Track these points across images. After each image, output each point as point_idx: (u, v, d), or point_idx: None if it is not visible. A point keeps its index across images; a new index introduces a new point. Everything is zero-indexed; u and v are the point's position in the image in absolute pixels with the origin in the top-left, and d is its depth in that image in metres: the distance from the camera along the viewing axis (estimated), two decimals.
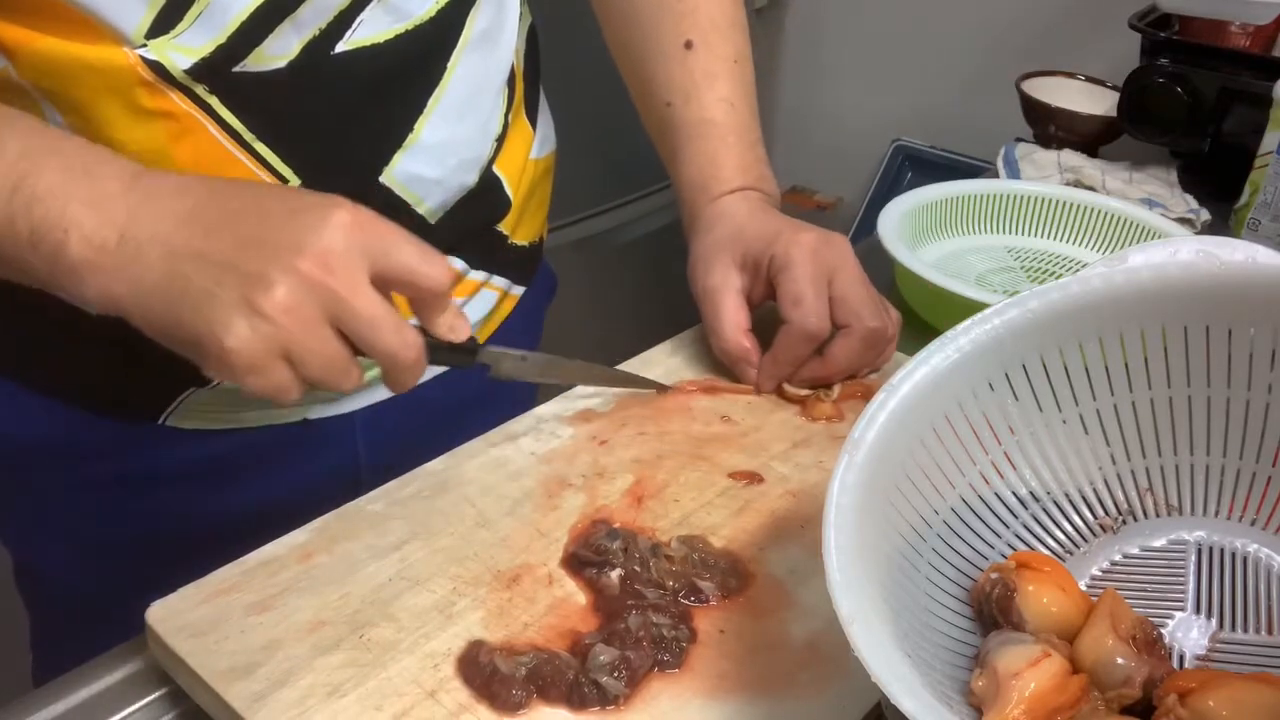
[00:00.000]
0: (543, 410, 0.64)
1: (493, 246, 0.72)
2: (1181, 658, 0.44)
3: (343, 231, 0.46)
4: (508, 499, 0.56)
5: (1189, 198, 1.01)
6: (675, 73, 0.74)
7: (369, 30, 0.58)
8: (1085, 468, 0.48)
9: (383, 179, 0.62)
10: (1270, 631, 0.43)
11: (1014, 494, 0.48)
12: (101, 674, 0.50)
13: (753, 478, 0.58)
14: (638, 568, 0.50)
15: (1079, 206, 0.92)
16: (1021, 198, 0.93)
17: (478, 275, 0.71)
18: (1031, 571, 0.44)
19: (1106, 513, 0.49)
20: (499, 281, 0.73)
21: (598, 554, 0.51)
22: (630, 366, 0.69)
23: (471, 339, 0.53)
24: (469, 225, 0.68)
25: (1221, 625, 0.44)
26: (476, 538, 0.53)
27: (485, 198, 0.69)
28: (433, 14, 0.60)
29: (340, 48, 0.57)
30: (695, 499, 0.56)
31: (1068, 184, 1.01)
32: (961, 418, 0.46)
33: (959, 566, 0.46)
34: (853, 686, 0.45)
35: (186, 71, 0.53)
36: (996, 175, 1.08)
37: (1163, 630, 0.44)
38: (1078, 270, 0.54)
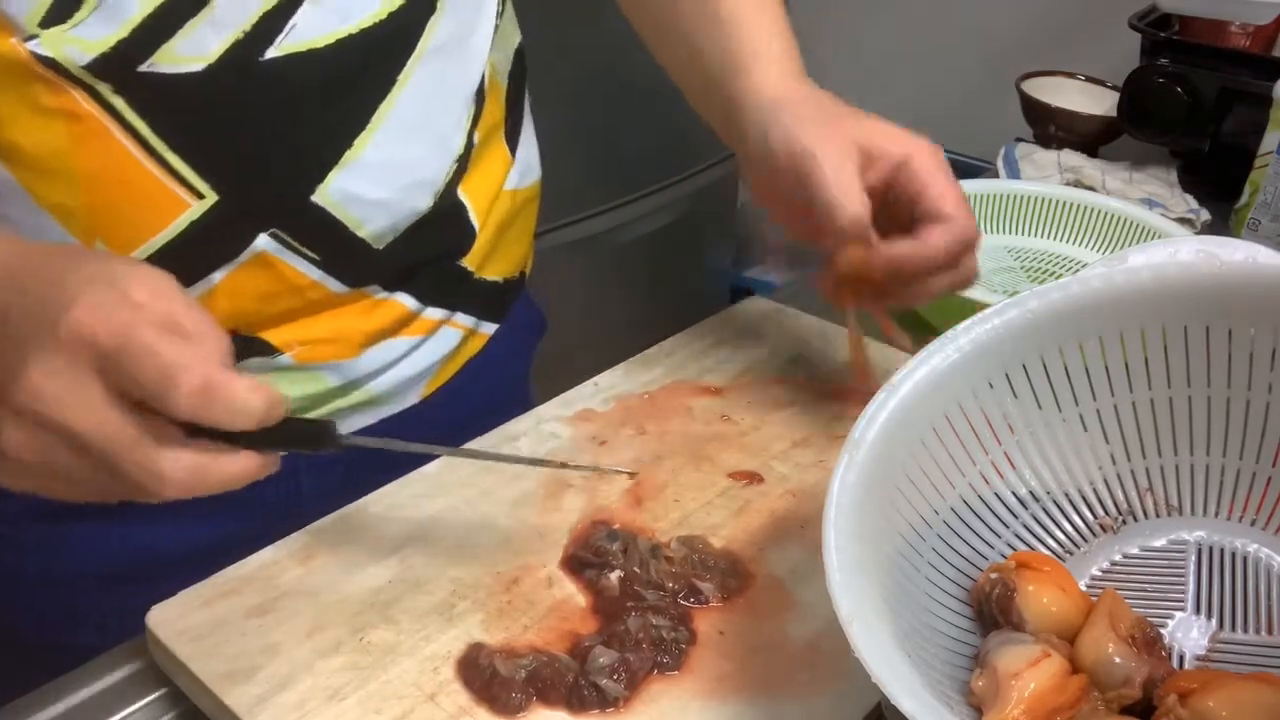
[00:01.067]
0: (542, 411, 0.64)
1: (455, 281, 0.66)
2: (1181, 658, 0.44)
3: (68, 350, 0.39)
4: (507, 500, 0.56)
5: (1189, 198, 1.01)
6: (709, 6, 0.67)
7: (305, 34, 0.53)
8: (1085, 468, 0.48)
9: (315, 198, 0.56)
10: (1270, 631, 0.43)
11: (1014, 494, 0.48)
12: (101, 674, 0.50)
13: (753, 478, 0.58)
14: (637, 569, 0.50)
15: (1079, 206, 0.92)
16: (1021, 198, 0.93)
17: (434, 313, 0.65)
18: (1031, 571, 0.44)
19: (1106, 513, 0.49)
20: (463, 319, 0.67)
21: (597, 555, 0.51)
22: (630, 366, 0.69)
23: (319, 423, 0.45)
24: (423, 255, 0.63)
25: (1221, 625, 0.44)
26: (476, 539, 0.53)
27: (443, 225, 0.63)
28: (382, 18, 0.55)
29: (271, 53, 0.52)
30: (695, 499, 0.56)
31: (1068, 184, 1.01)
32: (961, 418, 0.46)
33: (959, 566, 0.46)
34: (853, 686, 0.45)
35: (85, 68, 0.49)
36: (996, 175, 1.08)
37: (1163, 630, 0.44)
38: (1078, 270, 0.54)
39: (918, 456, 0.45)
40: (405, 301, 0.63)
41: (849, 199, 0.57)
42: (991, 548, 0.47)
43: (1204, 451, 0.47)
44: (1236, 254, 0.45)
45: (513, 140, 0.69)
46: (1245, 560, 0.46)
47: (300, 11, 0.52)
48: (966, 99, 2.07)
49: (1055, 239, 0.92)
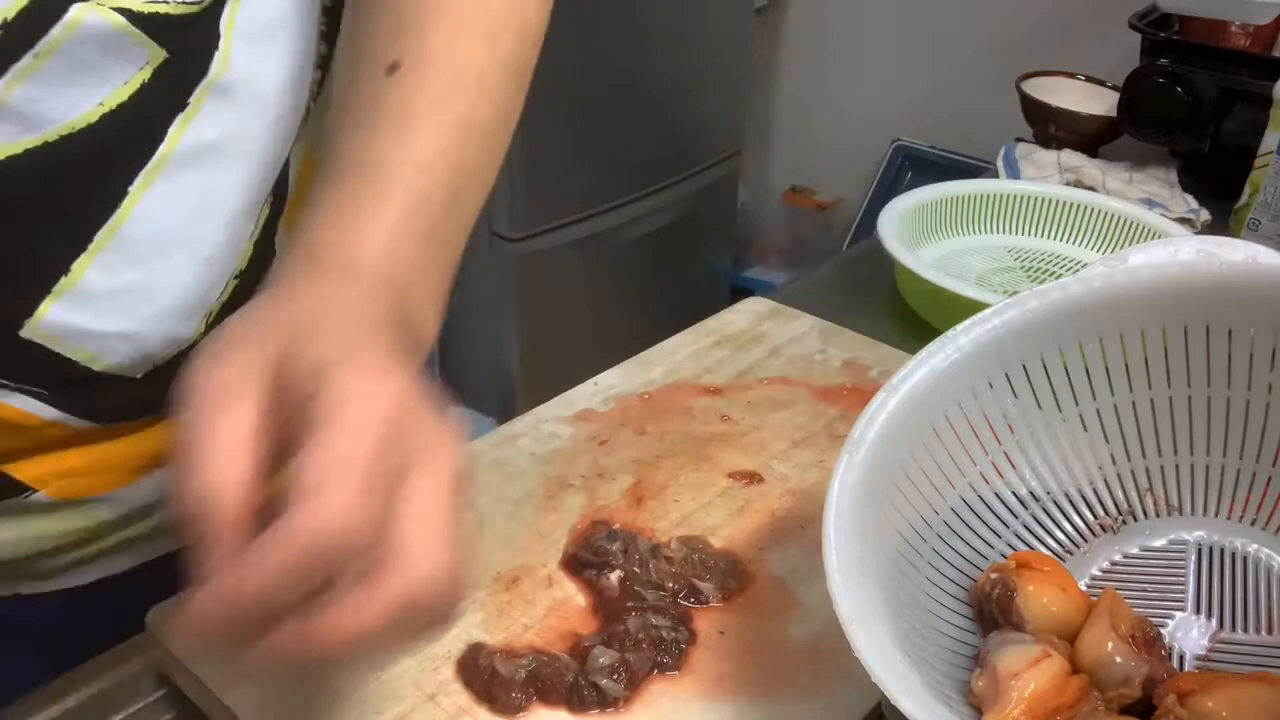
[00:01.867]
0: (542, 411, 0.64)
1: None
2: (1181, 658, 0.44)
3: None
4: (507, 500, 0.56)
5: (1189, 198, 1.01)
6: (362, 97, 0.47)
7: None
8: (1085, 468, 0.48)
9: (24, 333, 0.46)
10: (1270, 631, 0.43)
11: (1014, 494, 0.48)
12: (101, 674, 0.50)
13: (753, 478, 0.58)
14: (637, 569, 0.50)
15: (1079, 206, 0.92)
16: (1021, 198, 0.93)
17: None
18: (1031, 571, 0.44)
19: (1106, 513, 0.49)
20: None
21: (597, 555, 0.51)
22: (630, 366, 0.69)
23: None
24: None
25: (1221, 625, 0.44)
26: (476, 539, 0.53)
27: None
28: (93, 120, 0.44)
29: None
30: (695, 499, 0.56)
31: (1068, 184, 1.01)
32: (961, 418, 0.46)
33: (959, 566, 0.46)
34: (853, 687, 0.45)
35: None
36: (996, 175, 1.08)
37: (1163, 630, 0.44)
38: (1078, 270, 0.54)
39: (918, 456, 0.45)
40: None
41: (212, 471, 0.34)
42: (991, 548, 0.47)
43: (1204, 451, 0.47)
44: (1236, 254, 0.45)
45: None
46: (1245, 560, 0.46)
47: None
48: (966, 99, 2.07)
49: (1055, 239, 0.92)
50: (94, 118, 0.44)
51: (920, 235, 0.89)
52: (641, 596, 0.49)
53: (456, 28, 0.48)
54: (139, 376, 0.50)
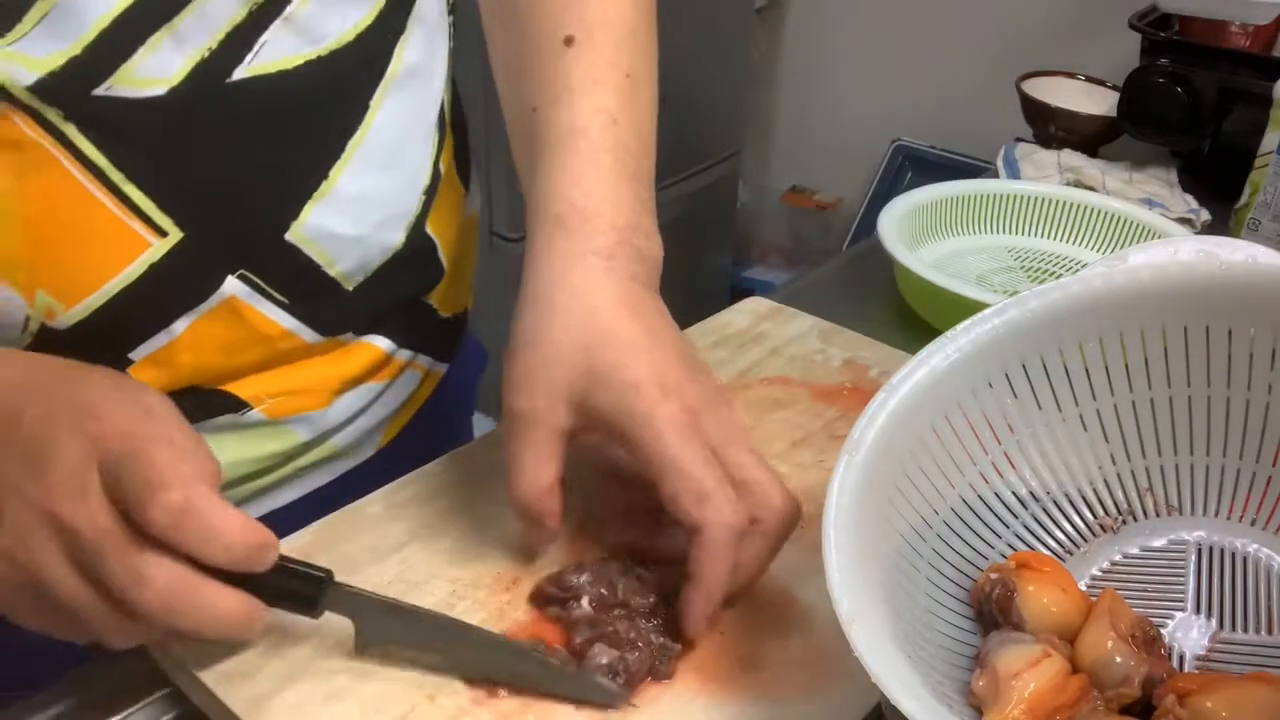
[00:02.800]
0: None
1: (421, 320, 0.63)
2: (1181, 658, 0.44)
3: (80, 448, 0.39)
4: (508, 500, 0.56)
5: (1189, 198, 1.01)
6: (548, 72, 0.54)
7: (274, 53, 0.48)
8: (1085, 468, 0.48)
9: (289, 236, 0.52)
10: (1270, 631, 0.43)
11: (1014, 494, 0.48)
12: (102, 674, 0.49)
13: None
14: (605, 591, 0.48)
15: (1079, 206, 0.92)
16: (1021, 198, 0.93)
17: (403, 354, 0.62)
18: (1031, 571, 0.44)
19: (1106, 513, 0.49)
20: (423, 360, 0.64)
21: (564, 590, 0.49)
22: None
23: (317, 575, 0.44)
24: (395, 295, 0.59)
25: (1221, 625, 0.44)
26: (476, 540, 0.53)
27: (414, 263, 0.60)
28: (351, 39, 0.51)
29: (239, 73, 0.47)
30: None
31: (1068, 184, 1.01)
32: (961, 418, 0.46)
33: (959, 566, 0.46)
34: (853, 687, 0.45)
35: (30, 89, 0.43)
36: (996, 175, 1.08)
37: (1163, 630, 0.44)
38: (1078, 270, 0.54)
39: (918, 456, 0.45)
40: (379, 344, 0.60)
41: (528, 482, 0.47)
42: (991, 548, 0.47)
43: (1204, 451, 0.47)
44: (1236, 254, 0.45)
45: (463, 170, 0.65)
46: (1245, 560, 0.46)
47: (270, 30, 0.48)
48: (966, 99, 2.07)
49: (1055, 239, 0.92)
50: (351, 36, 0.51)
51: (920, 235, 0.89)
52: (615, 617, 0.47)
53: None
54: (351, 288, 0.56)
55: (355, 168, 0.53)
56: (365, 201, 0.54)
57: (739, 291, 1.96)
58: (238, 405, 0.55)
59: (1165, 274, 0.45)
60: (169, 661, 0.47)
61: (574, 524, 0.54)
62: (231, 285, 0.52)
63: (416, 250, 0.59)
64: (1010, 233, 0.93)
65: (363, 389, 0.60)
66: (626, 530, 0.51)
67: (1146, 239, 0.87)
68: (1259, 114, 0.91)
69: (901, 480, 0.44)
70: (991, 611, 0.43)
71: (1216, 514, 0.47)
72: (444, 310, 0.64)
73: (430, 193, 0.59)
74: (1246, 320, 0.44)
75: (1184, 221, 0.97)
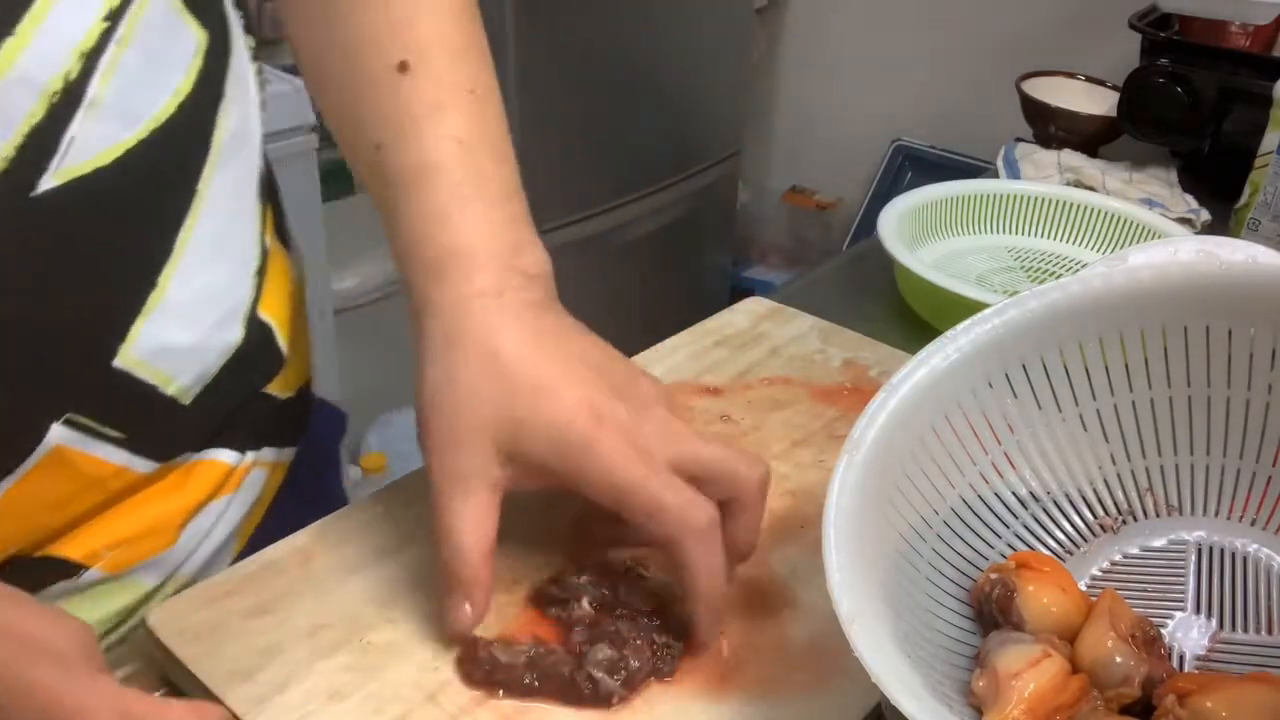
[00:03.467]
0: None
1: (260, 415, 0.56)
2: (1181, 658, 0.44)
3: None
4: (508, 500, 0.56)
5: (1189, 198, 1.01)
6: (385, 105, 0.49)
7: (86, 149, 0.41)
8: (1085, 468, 0.48)
9: (118, 362, 0.45)
10: (1270, 631, 0.43)
11: (1014, 494, 0.48)
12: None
13: None
14: (605, 591, 0.48)
15: (1079, 206, 0.92)
16: (1021, 198, 0.93)
17: (248, 457, 0.55)
18: (1031, 571, 0.44)
19: (1106, 513, 0.49)
20: (268, 454, 0.57)
21: (564, 590, 0.48)
22: None
23: None
24: (236, 398, 0.53)
25: (1221, 625, 0.44)
26: None
27: (254, 356, 0.53)
28: (172, 112, 0.44)
29: (46, 183, 0.40)
30: None
31: (1068, 184, 1.01)
32: (961, 418, 0.46)
33: (959, 566, 0.46)
34: (853, 687, 0.45)
35: None
36: (996, 175, 1.08)
37: (1163, 630, 0.44)
38: (1078, 270, 0.54)
39: (918, 456, 0.45)
40: (223, 457, 0.53)
41: (466, 546, 0.44)
42: (991, 548, 0.47)
43: (1204, 451, 0.47)
44: (1236, 254, 0.45)
45: (282, 231, 0.58)
46: (1245, 560, 0.46)
47: (76, 122, 0.40)
48: (966, 99, 2.07)
49: (1055, 239, 0.92)
50: (171, 109, 0.44)
51: (920, 235, 0.89)
52: (619, 616, 0.47)
53: (430, 8, 0.51)
54: (189, 402, 0.49)
55: (187, 266, 0.46)
56: (199, 302, 0.48)
57: (739, 291, 1.96)
58: (72, 569, 0.48)
59: (1165, 274, 0.45)
60: (169, 661, 0.47)
61: (572, 525, 0.54)
62: (57, 433, 0.44)
63: (255, 342, 0.53)
64: (1010, 233, 0.93)
65: (208, 510, 0.54)
66: (617, 541, 0.51)
67: (1146, 239, 0.87)
68: (1259, 114, 0.91)
69: (901, 480, 0.44)
70: (991, 611, 0.43)
71: (1216, 514, 0.47)
72: (284, 393, 0.58)
73: (261, 273, 0.53)
74: (1246, 320, 0.44)
75: (1184, 221, 0.97)
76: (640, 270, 2.08)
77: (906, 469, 0.44)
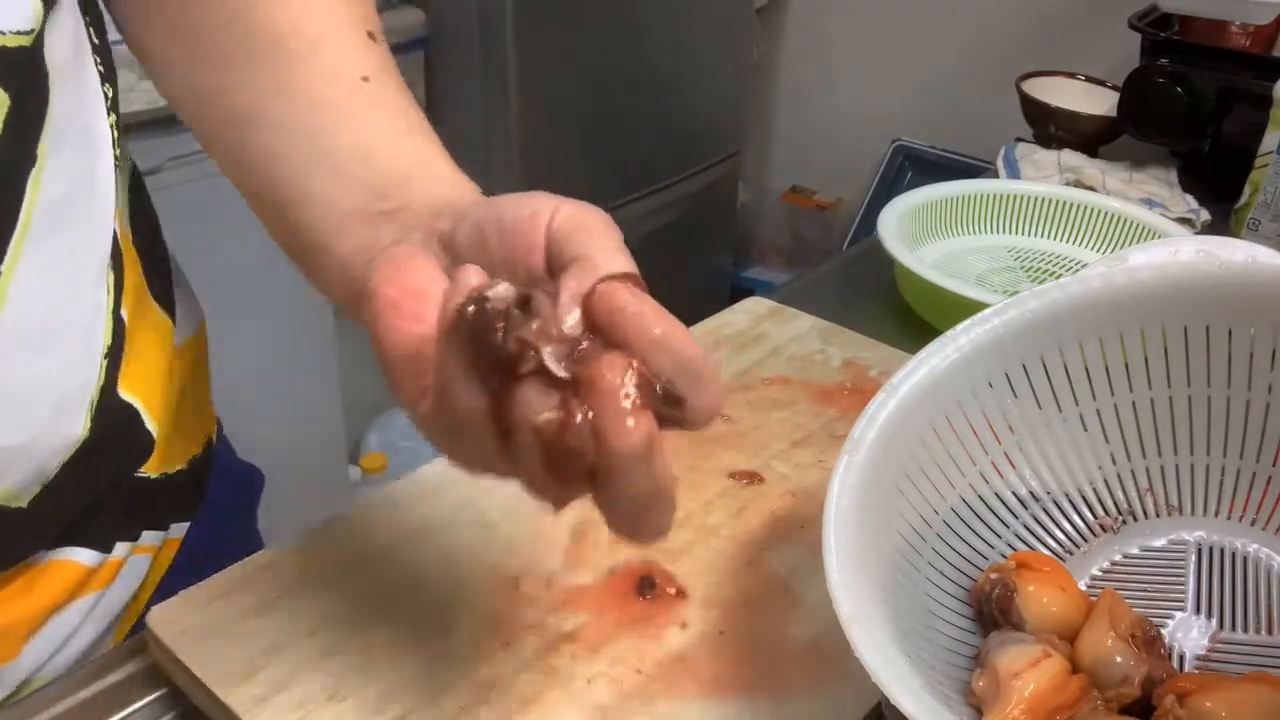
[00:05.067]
0: None
1: (135, 501, 0.51)
2: (1181, 658, 0.44)
3: None
4: (508, 500, 0.56)
5: (1189, 198, 1.01)
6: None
7: None
8: (1085, 468, 0.48)
9: None
10: (1270, 631, 0.43)
11: (1014, 494, 0.48)
12: (101, 674, 0.49)
13: (753, 477, 0.58)
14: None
15: (1079, 206, 0.92)
16: (1021, 198, 0.93)
17: (119, 549, 0.50)
18: (1031, 571, 0.44)
19: (1106, 513, 0.49)
20: (150, 538, 0.52)
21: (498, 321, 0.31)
22: None
23: None
24: (90, 492, 0.48)
25: (1221, 625, 0.44)
26: (477, 539, 0.53)
27: (111, 446, 0.48)
28: None
29: None
30: (695, 498, 0.56)
31: (1068, 184, 1.01)
32: (961, 418, 0.46)
33: (959, 566, 0.46)
34: (853, 687, 0.45)
35: None
36: (996, 175, 1.08)
37: (1163, 630, 0.44)
38: (1078, 270, 0.54)
39: (918, 456, 0.45)
40: (78, 558, 0.48)
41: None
42: (991, 548, 0.47)
43: (1204, 451, 0.47)
44: (1236, 254, 0.45)
45: (163, 290, 0.53)
46: (1245, 560, 0.46)
47: None
48: (966, 99, 2.07)
49: (1055, 239, 0.92)
50: None
51: (920, 235, 0.89)
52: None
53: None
54: (26, 504, 0.44)
55: (0, 357, 0.41)
56: (24, 396, 0.43)
57: (739, 291, 1.96)
58: None
59: (1165, 274, 0.45)
60: (169, 661, 0.47)
61: (575, 527, 0.54)
62: None
63: (112, 427, 0.47)
64: (1010, 233, 0.93)
65: (66, 613, 0.49)
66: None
67: (1146, 239, 0.87)
68: (1259, 114, 0.91)
69: (901, 480, 0.44)
70: (991, 611, 0.43)
71: (1216, 514, 0.47)
72: (170, 468, 0.53)
73: (115, 352, 0.47)
74: (1246, 320, 0.44)
75: (1184, 221, 0.97)
76: (640, 270, 2.08)
77: (906, 469, 0.44)
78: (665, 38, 1.95)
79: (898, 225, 0.84)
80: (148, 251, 0.52)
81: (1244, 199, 0.92)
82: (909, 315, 0.83)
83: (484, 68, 1.70)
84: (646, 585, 0.51)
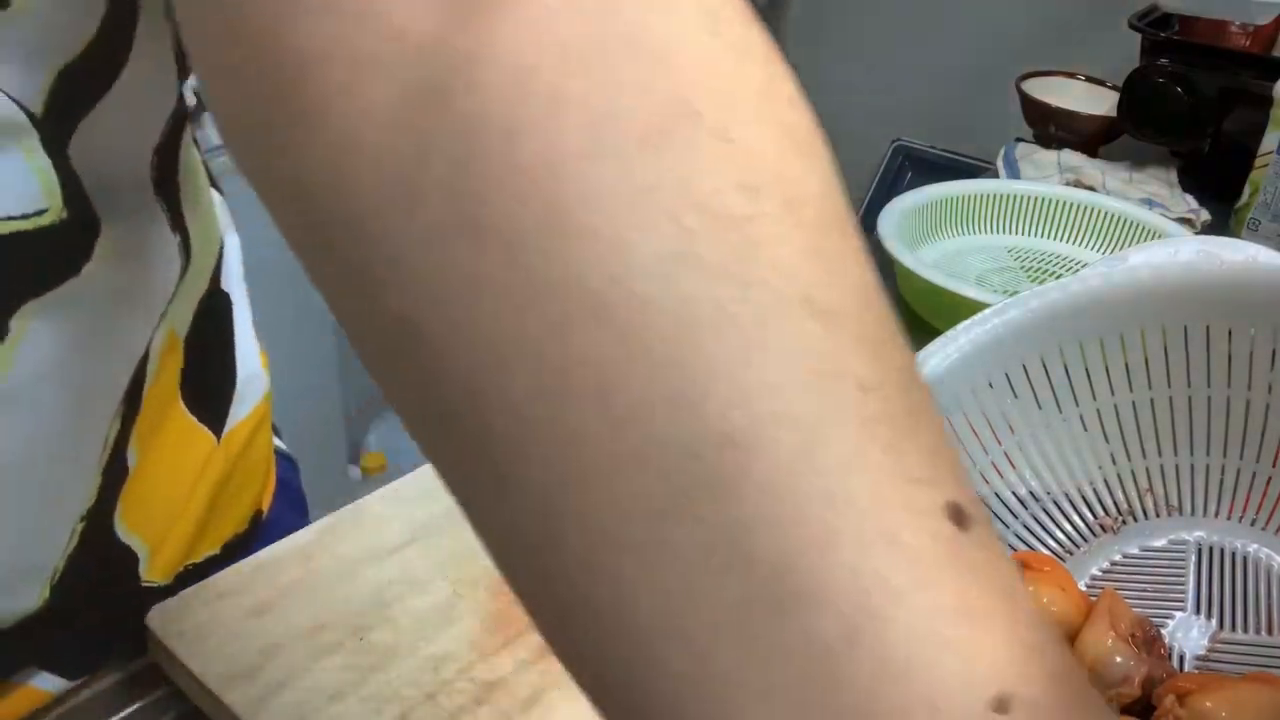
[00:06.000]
0: None
1: (129, 613, 0.46)
2: (1181, 658, 0.44)
3: None
4: None
5: (1189, 198, 1.01)
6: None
7: None
8: (1085, 467, 0.48)
9: None
10: (1270, 631, 0.43)
11: (1014, 494, 0.48)
12: (101, 674, 0.49)
13: None
14: None
15: (1079, 206, 0.92)
16: (1021, 198, 0.93)
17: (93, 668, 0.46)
18: (1031, 571, 0.44)
19: (1106, 513, 0.49)
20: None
21: None
22: None
23: None
24: (85, 617, 0.44)
25: (1221, 625, 0.44)
26: (476, 540, 0.53)
27: (103, 561, 0.43)
28: None
29: None
30: None
31: (1068, 184, 1.01)
32: (961, 418, 0.46)
33: None
34: None
35: None
36: (996, 175, 1.08)
37: (1163, 630, 0.44)
38: (1078, 270, 0.54)
39: None
40: (40, 684, 0.45)
41: None
42: None
43: (1204, 451, 0.47)
44: (1236, 254, 0.45)
45: (206, 390, 0.48)
46: (1245, 560, 0.46)
47: None
48: (966, 99, 2.07)
49: (1055, 239, 0.92)
50: None
51: (920, 235, 0.89)
52: None
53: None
54: (10, 627, 0.40)
55: None
56: None
57: None
58: None
59: (1165, 274, 0.45)
60: (169, 661, 0.47)
61: None
62: None
63: (93, 576, 0.43)
64: (1010, 233, 0.93)
65: None
66: None
67: (1146, 239, 0.87)
68: (1259, 114, 0.91)
69: None
70: None
71: (1216, 514, 0.47)
72: (198, 557, 0.50)
73: (98, 512, 0.42)
74: (1246, 320, 0.44)
75: (1184, 221, 0.97)
76: None
77: None
78: None
79: (898, 225, 0.84)
80: (200, 347, 0.46)
81: (1244, 199, 0.92)
82: (909, 315, 0.83)
83: None
84: None
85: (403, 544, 0.53)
